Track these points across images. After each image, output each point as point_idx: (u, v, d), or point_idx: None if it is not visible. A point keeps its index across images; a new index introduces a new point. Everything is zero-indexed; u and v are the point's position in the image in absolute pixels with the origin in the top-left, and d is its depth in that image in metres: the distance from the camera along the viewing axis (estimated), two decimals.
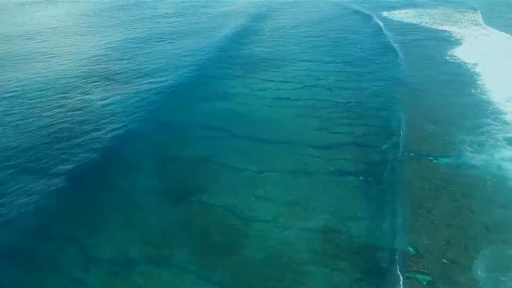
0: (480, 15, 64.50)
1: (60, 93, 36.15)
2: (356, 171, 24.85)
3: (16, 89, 37.46)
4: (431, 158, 26.06)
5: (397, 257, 18.57)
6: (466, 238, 19.65)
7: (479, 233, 19.99)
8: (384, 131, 29.38)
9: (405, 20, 64.16)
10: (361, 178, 24.24)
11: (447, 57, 45.19)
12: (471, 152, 26.56)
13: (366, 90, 36.59)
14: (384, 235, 19.92)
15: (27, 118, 31.68)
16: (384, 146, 27.27)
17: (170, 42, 52.49)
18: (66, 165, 25.68)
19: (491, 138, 28.13)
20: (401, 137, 28.44)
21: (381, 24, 61.02)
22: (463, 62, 43.29)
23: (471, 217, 20.97)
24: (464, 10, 69.39)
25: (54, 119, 31.21)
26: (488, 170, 24.63)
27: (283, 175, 24.64)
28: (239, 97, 35.34)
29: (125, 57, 45.92)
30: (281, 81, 38.66)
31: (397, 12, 69.71)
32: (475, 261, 18.30)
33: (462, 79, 39.02)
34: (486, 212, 21.33)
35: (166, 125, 30.91)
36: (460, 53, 46.27)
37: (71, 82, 38.73)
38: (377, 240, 19.61)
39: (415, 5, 75.02)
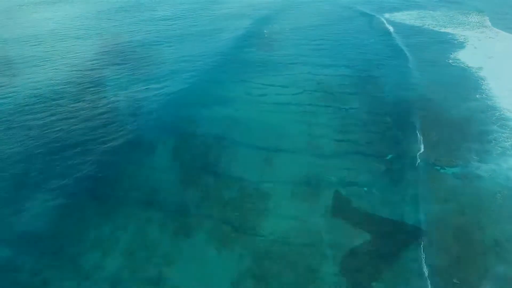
0: (484, 17, 63.46)
1: (54, 100, 35.03)
2: (360, 181, 23.96)
3: (8, 95, 36.40)
4: (438, 167, 25.15)
5: (407, 277, 17.69)
6: (476, 255, 18.82)
7: (489, 249, 19.15)
8: (388, 139, 28.45)
9: (408, 22, 63.17)
10: (365, 189, 23.35)
11: (451, 61, 44.21)
12: (478, 161, 25.68)
13: (369, 95, 35.64)
14: (391, 253, 19.04)
15: (18, 127, 30.64)
16: (389, 156, 26.31)
17: (168, 46, 51.48)
18: (59, 178, 24.65)
19: (498, 146, 27.26)
20: (406, 145, 27.51)
21: (384, 26, 60.04)
22: (468, 66, 42.30)
23: (481, 233, 20.12)
24: (467, 11, 68.39)
25: (47, 128, 30.14)
26: (496, 181, 23.76)
27: (284, 187, 23.71)
28: (238, 103, 34.38)
29: (122, 62, 44.89)
30: (281, 86, 37.68)
31: (399, 14, 68.66)
32: (486, 281, 17.47)
33: (467, 83, 38.09)
34: (495, 226, 20.51)
35: (163, 134, 29.93)
36: (465, 56, 45.28)
37: (65, 88, 37.65)
38: (384, 259, 18.71)
39: (418, 7, 74.00)
